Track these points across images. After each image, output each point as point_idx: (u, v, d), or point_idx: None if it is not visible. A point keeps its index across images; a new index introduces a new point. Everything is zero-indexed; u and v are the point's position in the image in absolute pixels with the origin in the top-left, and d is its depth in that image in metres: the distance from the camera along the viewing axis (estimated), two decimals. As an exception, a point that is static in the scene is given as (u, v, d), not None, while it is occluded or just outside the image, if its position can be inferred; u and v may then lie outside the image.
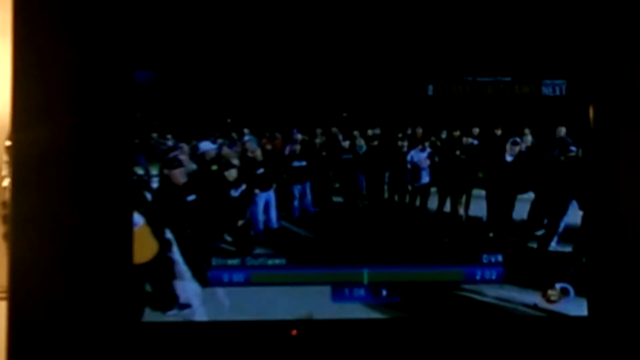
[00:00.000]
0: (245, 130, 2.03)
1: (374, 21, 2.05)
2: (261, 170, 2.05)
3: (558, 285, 1.99)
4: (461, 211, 2.06)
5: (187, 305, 2.00)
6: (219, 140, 2.04)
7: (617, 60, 2.00)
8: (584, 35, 2.01)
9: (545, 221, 2.02)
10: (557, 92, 2.00)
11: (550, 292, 1.99)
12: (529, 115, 2.01)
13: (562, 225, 2.00)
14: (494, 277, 2.01)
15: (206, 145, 2.04)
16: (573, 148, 1.98)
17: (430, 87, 2.01)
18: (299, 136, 2.04)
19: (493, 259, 2.01)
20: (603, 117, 2.00)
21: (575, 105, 2.00)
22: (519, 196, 2.03)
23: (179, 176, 2.02)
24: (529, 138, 2.00)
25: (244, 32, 2.03)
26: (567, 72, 2.00)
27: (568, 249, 2.00)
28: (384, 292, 2.01)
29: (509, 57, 2.00)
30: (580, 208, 2.00)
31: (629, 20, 2.00)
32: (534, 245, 2.02)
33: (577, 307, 2.00)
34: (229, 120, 2.03)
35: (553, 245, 2.01)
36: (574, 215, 2.00)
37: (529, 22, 2.02)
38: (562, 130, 1.99)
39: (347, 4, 2.05)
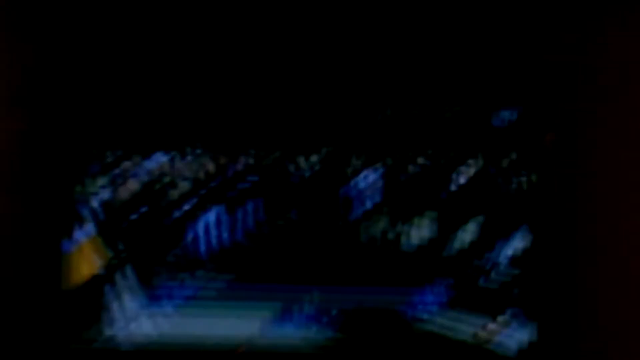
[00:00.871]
0: (191, 147, 1.98)
1: (332, 46, 2.02)
2: (206, 189, 2.00)
3: (501, 318, 1.97)
4: (409, 235, 2.03)
5: (128, 324, 1.96)
6: (165, 157, 1.99)
7: (569, 89, 1.99)
8: (537, 62, 1.99)
9: (494, 246, 1.99)
10: (510, 119, 1.98)
11: (491, 325, 1.97)
12: (481, 141, 1.98)
13: (509, 250, 1.98)
14: (437, 303, 1.99)
15: (152, 162, 1.99)
16: (524, 174, 1.96)
17: (383, 112, 1.99)
18: (247, 156, 2.00)
19: (438, 285, 1.99)
20: (557, 144, 1.98)
21: (528, 132, 1.97)
22: (468, 221, 2.00)
23: (125, 191, 1.98)
24: (479, 163, 1.97)
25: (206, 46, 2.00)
26: (519, 99, 1.97)
27: (516, 272, 1.98)
28: (327, 316, 1.99)
29: (462, 84, 1.98)
30: (531, 232, 1.97)
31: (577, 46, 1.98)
32: (482, 270, 1.99)
33: (519, 340, 1.97)
34: (176, 137, 1.98)
35: (501, 270, 1.99)
36: (522, 241, 1.97)
37: (483, 50, 1.99)
38: (514, 156, 1.96)
39: (310, 30, 2.02)
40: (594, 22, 1.99)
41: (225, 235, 2.00)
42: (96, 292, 1.97)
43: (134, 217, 1.98)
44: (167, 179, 1.98)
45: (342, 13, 2.01)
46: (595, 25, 1.98)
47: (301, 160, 1.99)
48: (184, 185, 1.98)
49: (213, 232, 2.00)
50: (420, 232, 2.02)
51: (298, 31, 2.01)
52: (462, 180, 2.00)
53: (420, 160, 1.99)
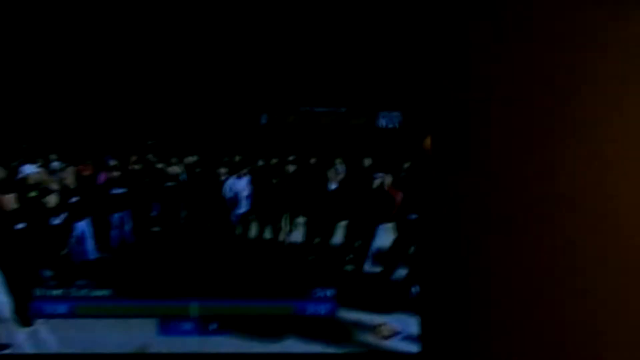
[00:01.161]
0: (53, 156, 1.93)
1: (210, 48, 1.95)
2: (75, 199, 1.95)
3: (389, 322, 1.95)
4: (283, 239, 1.98)
5: (7, 346, 1.92)
6: (39, 165, 1.94)
7: (451, 93, 1.86)
8: (419, 68, 1.95)
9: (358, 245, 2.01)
10: (392, 124, 1.96)
11: (382, 327, 1.94)
12: (363, 145, 1.98)
13: (373, 248, 2.01)
14: (324, 311, 1.97)
15: (27, 169, 1.95)
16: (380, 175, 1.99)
17: (264, 116, 1.91)
18: (113, 163, 1.94)
19: (323, 294, 1.95)
20: (436, 147, 1.88)
21: (406, 136, 1.97)
22: (340, 222, 2.02)
23: (9, 202, 1.94)
24: (342, 167, 1.95)
25: (56, 55, 1.94)
26: (401, 104, 1.96)
27: (379, 269, 2.00)
28: (213, 326, 1.92)
29: (345, 88, 1.88)
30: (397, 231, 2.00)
31: (461, 55, 1.96)
32: (362, 270, 2.00)
33: (409, 345, 1.96)
34: (40, 147, 1.92)
35: (366, 267, 2.01)
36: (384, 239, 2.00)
37: (365, 54, 1.95)
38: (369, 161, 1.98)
39: (179, 26, 1.94)
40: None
41: (97, 247, 1.96)
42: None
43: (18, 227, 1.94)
44: (33, 193, 1.93)
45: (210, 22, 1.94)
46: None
47: (172, 169, 1.93)
48: (52, 198, 1.93)
49: (85, 245, 1.96)
50: (297, 237, 1.95)
51: (165, 42, 1.94)
52: (335, 183, 2.00)
53: (295, 164, 1.92)
